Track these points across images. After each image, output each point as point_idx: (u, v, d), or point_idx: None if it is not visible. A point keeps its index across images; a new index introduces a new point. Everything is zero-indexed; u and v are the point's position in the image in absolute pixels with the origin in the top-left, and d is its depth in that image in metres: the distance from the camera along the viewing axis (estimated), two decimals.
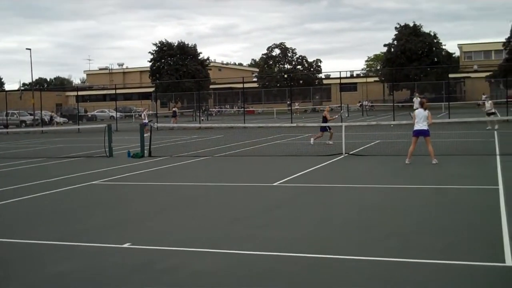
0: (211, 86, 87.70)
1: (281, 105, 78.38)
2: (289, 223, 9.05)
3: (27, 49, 57.44)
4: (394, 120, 35.06)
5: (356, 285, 5.96)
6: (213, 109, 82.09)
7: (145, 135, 22.24)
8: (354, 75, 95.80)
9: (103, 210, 10.81)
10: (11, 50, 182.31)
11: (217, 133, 35.31)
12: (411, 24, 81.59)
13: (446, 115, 40.43)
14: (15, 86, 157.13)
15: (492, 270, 6.31)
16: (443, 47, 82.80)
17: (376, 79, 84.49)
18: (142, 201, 11.68)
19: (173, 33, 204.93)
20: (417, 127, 16.00)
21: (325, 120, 23.56)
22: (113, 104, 65.50)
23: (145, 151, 20.96)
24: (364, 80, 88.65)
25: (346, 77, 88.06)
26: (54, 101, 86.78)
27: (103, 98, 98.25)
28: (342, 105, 48.34)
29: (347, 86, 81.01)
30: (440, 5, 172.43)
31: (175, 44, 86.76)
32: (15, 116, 58.87)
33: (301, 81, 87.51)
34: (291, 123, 35.10)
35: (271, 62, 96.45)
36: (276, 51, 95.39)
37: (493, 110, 30.56)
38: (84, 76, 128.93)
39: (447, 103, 44.11)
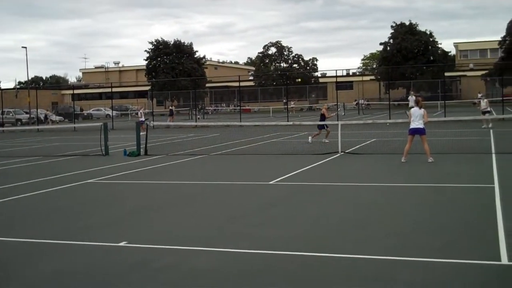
0: (207, 85, 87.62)
1: (277, 104, 78.40)
2: (285, 221, 9.06)
3: (23, 47, 57.43)
4: (390, 119, 35.10)
5: (352, 284, 5.97)
6: (209, 108, 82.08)
7: (141, 133, 22.22)
8: (350, 73, 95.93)
9: (99, 208, 10.80)
10: (7, 48, 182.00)
11: (213, 131, 35.30)
12: (407, 23, 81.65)
13: (442, 113, 40.48)
14: (11, 85, 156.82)
15: (488, 269, 6.32)
16: (439, 45, 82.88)
17: (372, 77, 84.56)
18: (138, 200, 11.68)
19: (169, 32, 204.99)
20: (413, 125, 16.03)
21: (323, 117, 23.58)
22: (109, 103, 65.32)
23: (141, 150, 20.95)
24: (360, 78, 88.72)
25: (342, 76, 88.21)
26: (50, 100, 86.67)
27: (99, 96, 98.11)
28: (338, 103, 48.38)
29: (343, 84, 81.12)
30: (436, 3, 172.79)
31: (171, 43, 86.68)
32: (10, 114, 58.79)
33: (297, 80, 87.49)
34: (287, 121, 35.12)
35: (267, 61, 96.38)
36: (272, 50, 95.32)
37: (488, 109, 30.61)
38: (80, 74, 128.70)
39: (443, 101, 44.16)
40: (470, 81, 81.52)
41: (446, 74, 68.91)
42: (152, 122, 32.15)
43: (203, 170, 16.46)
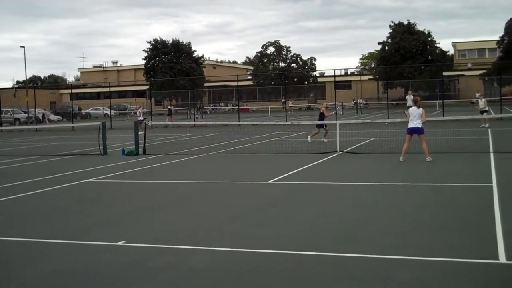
0: (205, 84, 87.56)
1: (275, 103, 78.40)
2: (283, 220, 9.06)
3: (21, 46, 57.27)
4: (388, 118, 35.13)
5: (350, 283, 5.98)
6: (208, 107, 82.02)
7: (139, 132, 22.21)
8: (349, 73, 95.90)
9: (98, 208, 10.80)
10: (5, 48, 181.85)
11: (212, 131, 35.30)
12: (406, 22, 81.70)
13: (440, 113, 40.53)
14: (9, 84, 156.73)
15: (486, 267, 6.33)
16: (437, 45, 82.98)
17: (371, 77, 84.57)
18: (137, 199, 11.67)
19: (167, 31, 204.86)
20: (411, 125, 16.05)
21: (322, 116, 23.59)
22: (107, 102, 65.32)
23: (140, 149, 20.94)
24: (358, 78, 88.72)
25: (341, 75, 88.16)
26: (48, 99, 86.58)
27: (97, 96, 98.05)
28: (337, 103, 48.41)
29: (342, 84, 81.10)
30: (434, 3, 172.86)
31: (170, 42, 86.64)
32: (9, 114, 58.72)
33: (295, 79, 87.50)
34: (286, 121, 35.13)
35: (265, 60, 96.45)
36: (271, 49, 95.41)
37: (486, 108, 30.66)
38: (78, 74, 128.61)
39: (441, 101, 44.22)
40: (468, 80, 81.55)
41: (444, 73, 68.94)
42: (150, 121, 32.13)
43: (202, 169, 16.46)
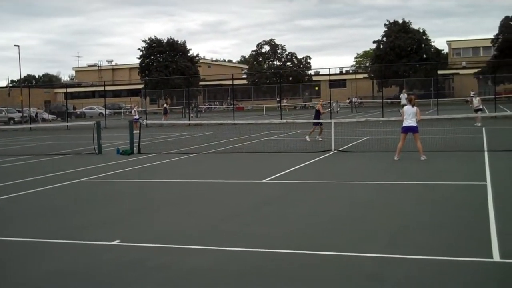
0: (200, 83, 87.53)
1: (270, 102, 78.45)
2: (278, 219, 9.07)
3: (15, 45, 57.09)
4: (383, 117, 35.18)
5: (346, 281, 5.99)
6: (203, 106, 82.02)
7: (134, 131, 22.18)
8: (344, 71, 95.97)
9: (92, 207, 10.78)
10: (0, 47, 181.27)
11: (207, 130, 35.29)
12: (401, 21, 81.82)
13: (435, 111, 40.63)
14: (3, 83, 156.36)
15: (480, 266, 6.35)
16: (432, 43, 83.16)
17: (365, 75, 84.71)
18: (132, 198, 11.66)
19: (162, 30, 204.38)
20: (405, 123, 16.08)
21: (318, 113, 23.60)
22: (102, 101, 65.18)
23: (134, 148, 20.92)
24: (353, 76, 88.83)
25: (336, 74, 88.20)
26: (42, 98, 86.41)
27: (92, 95, 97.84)
28: (332, 101, 48.46)
29: (337, 82, 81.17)
30: (429, 2, 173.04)
31: (165, 41, 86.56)
32: (3, 113, 58.55)
33: (290, 78, 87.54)
34: (281, 119, 35.14)
35: (260, 59, 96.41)
36: (266, 48, 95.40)
37: (480, 107, 30.73)
38: (73, 73, 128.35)
39: (436, 99, 44.34)
40: (462, 79, 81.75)
41: (439, 72, 69.16)
42: (145, 120, 32.09)
43: (197, 168, 16.46)
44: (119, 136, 29.85)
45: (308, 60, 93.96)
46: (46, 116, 63.39)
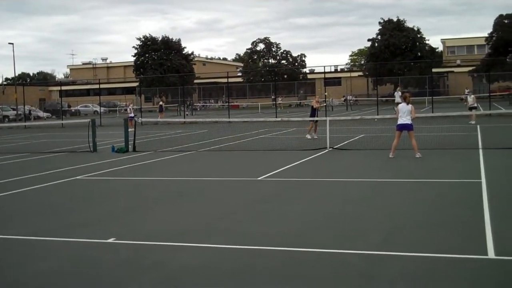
0: (195, 81, 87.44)
1: (265, 100, 78.45)
2: (274, 217, 9.07)
3: (9, 43, 56.92)
4: (378, 115, 35.22)
5: (341, 279, 6.00)
6: (198, 104, 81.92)
7: (129, 129, 22.14)
8: (339, 69, 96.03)
9: (87, 205, 10.77)
10: None
11: (202, 127, 35.25)
12: (395, 19, 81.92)
13: (430, 109, 40.70)
14: None
15: (475, 263, 6.37)
16: (427, 42, 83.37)
17: (360, 73, 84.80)
18: (127, 196, 11.65)
19: (157, 28, 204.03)
20: (400, 121, 16.10)
21: (313, 109, 23.60)
22: (97, 99, 65.11)
23: (130, 146, 20.88)
24: (348, 74, 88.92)
25: (331, 72, 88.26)
26: (37, 96, 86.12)
27: (87, 93, 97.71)
28: (327, 99, 48.53)
29: (332, 80, 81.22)
30: (422, 0, 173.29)
31: (159, 39, 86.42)
32: None
33: (285, 76, 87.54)
34: (276, 117, 35.13)
35: (255, 57, 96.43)
36: (261, 46, 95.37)
37: (475, 105, 30.81)
38: (68, 70, 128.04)
39: (431, 97, 44.35)
40: (457, 77, 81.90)
41: (434, 70, 69.29)
42: (140, 118, 32.04)
43: (192, 166, 16.46)
44: (114, 134, 29.78)
45: (303, 58, 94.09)
46: (41, 114, 63.22)
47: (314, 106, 23.84)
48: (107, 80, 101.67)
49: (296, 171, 14.37)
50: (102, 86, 60.13)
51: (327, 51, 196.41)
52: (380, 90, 60.10)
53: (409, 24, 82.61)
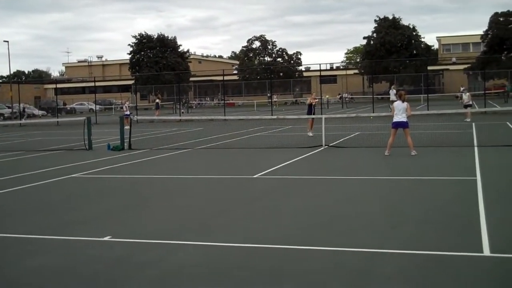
0: (191, 79, 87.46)
1: (261, 98, 78.47)
2: (270, 215, 9.08)
3: (4, 41, 56.67)
4: (373, 112, 35.28)
5: (336, 276, 6.01)
6: (193, 102, 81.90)
7: (125, 127, 22.12)
8: (334, 67, 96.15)
9: (83, 203, 10.75)
10: None
11: (198, 125, 35.25)
12: (391, 17, 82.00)
13: (425, 107, 40.78)
14: None
15: (470, 260, 6.39)
16: (422, 39, 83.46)
17: (356, 71, 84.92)
18: (122, 194, 11.64)
19: (152, 25, 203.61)
20: (396, 119, 16.13)
21: (310, 107, 23.64)
22: (92, 97, 65.04)
23: (125, 144, 20.86)
24: (344, 72, 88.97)
25: (326, 70, 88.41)
26: (32, 94, 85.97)
27: (82, 90, 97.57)
28: (322, 97, 48.57)
29: (327, 78, 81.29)
30: None
31: (155, 37, 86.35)
32: None
33: (281, 74, 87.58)
34: (272, 115, 35.14)
35: (251, 55, 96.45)
36: (256, 44, 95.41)
37: (470, 103, 30.86)
38: (63, 68, 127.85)
39: (426, 95, 44.48)
40: (452, 74, 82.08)
41: (429, 68, 69.43)
42: (136, 116, 32.02)
43: (187, 164, 16.45)
44: (109, 132, 29.77)
45: (299, 56, 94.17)
46: (36, 111, 63.06)
47: (310, 102, 23.87)
48: (103, 78, 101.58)
49: (292, 169, 14.37)
50: (97, 84, 60.14)
51: (323, 49, 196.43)
52: (376, 88, 60.19)
53: (405, 22, 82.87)
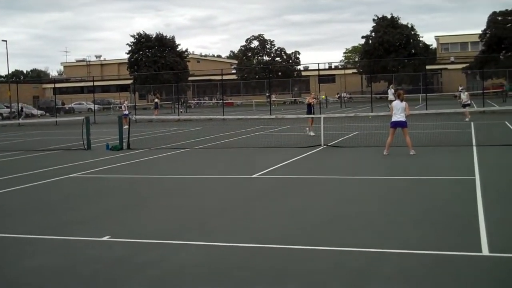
0: (189, 78, 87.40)
1: (260, 97, 78.47)
2: (268, 215, 9.08)
3: (3, 40, 56.57)
4: (372, 112, 35.28)
5: (336, 276, 6.02)
6: (192, 101, 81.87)
7: (124, 127, 22.11)
8: (333, 67, 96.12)
9: (82, 202, 10.75)
10: None
11: (196, 125, 35.24)
12: (389, 16, 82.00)
13: (424, 106, 40.76)
14: None
15: (469, 260, 6.40)
16: (420, 39, 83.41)
17: (354, 71, 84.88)
18: (121, 194, 11.64)
19: (151, 25, 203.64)
20: (394, 118, 16.14)
21: (309, 107, 23.66)
22: (90, 97, 65.04)
23: (124, 144, 20.86)
24: (342, 72, 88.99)
25: (325, 69, 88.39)
26: (31, 94, 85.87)
27: (81, 90, 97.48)
28: (316, 97, 48.56)
29: (326, 77, 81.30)
30: None
31: (153, 36, 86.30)
32: None
33: (279, 73, 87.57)
34: (270, 115, 35.15)
35: (249, 54, 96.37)
36: (255, 43, 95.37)
37: (468, 102, 30.88)
38: (61, 68, 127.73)
39: (424, 94, 44.46)
40: (451, 74, 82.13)
41: (428, 67, 69.26)
42: (134, 116, 32.01)
43: (186, 164, 16.45)
44: (108, 132, 29.75)
45: (297, 55, 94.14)
46: (35, 111, 62.99)
47: (309, 102, 23.89)
48: (101, 77, 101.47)
49: (291, 169, 14.38)
50: (96, 83, 60.10)
51: (321, 48, 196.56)
52: (374, 87, 60.20)
53: (403, 21, 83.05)
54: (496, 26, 73.15)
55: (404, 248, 6.82)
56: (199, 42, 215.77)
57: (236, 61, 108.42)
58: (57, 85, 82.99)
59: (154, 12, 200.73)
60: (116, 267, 6.55)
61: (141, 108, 64.86)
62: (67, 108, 73.53)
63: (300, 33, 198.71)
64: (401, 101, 16.16)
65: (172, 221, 8.83)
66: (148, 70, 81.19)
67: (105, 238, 7.79)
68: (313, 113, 23.80)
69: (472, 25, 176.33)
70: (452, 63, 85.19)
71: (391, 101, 17.78)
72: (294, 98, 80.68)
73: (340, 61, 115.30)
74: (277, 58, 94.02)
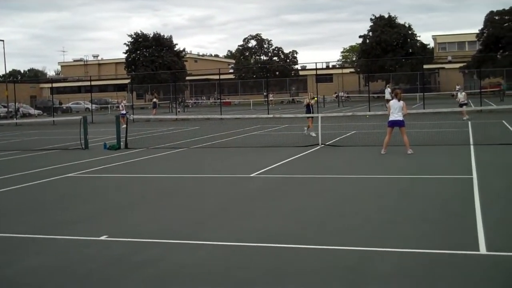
0: (187, 78, 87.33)
1: (257, 96, 78.44)
2: (266, 214, 9.08)
3: (0, 40, 56.50)
4: (369, 111, 35.30)
5: (333, 275, 6.02)
6: (190, 101, 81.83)
7: (122, 126, 22.09)
8: (330, 66, 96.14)
9: (80, 202, 10.74)
10: None
11: (194, 124, 35.23)
12: (386, 16, 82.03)
13: (421, 105, 40.81)
14: None
15: (466, 258, 6.41)
16: (418, 38, 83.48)
17: (352, 70, 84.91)
18: (119, 193, 11.64)
19: (148, 24, 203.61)
20: (392, 117, 16.15)
21: (308, 107, 23.67)
22: (88, 96, 64.84)
23: (122, 143, 20.84)
24: (340, 71, 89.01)
25: (322, 68, 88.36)
26: (28, 93, 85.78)
27: (78, 90, 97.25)
28: (318, 96, 48.57)
29: (323, 77, 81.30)
30: None
31: (151, 36, 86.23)
32: None
33: (277, 73, 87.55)
34: (268, 114, 35.15)
35: (247, 54, 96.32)
36: (252, 43, 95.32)
37: (465, 101, 30.91)
38: (59, 67, 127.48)
39: (422, 93, 44.50)
40: (448, 73, 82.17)
41: (425, 66, 69.40)
42: (132, 115, 31.99)
43: (184, 163, 16.44)
44: (106, 131, 29.73)
45: (295, 55, 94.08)
46: (32, 111, 62.92)
47: (307, 102, 23.90)
48: (99, 77, 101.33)
49: (289, 168, 14.38)
50: (93, 83, 59.99)
51: (319, 47, 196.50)
52: (372, 86, 60.17)
53: (401, 20, 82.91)
54: (493, 25, 73.21)
55: (402, 247, 6.82)
56: (197, 41, 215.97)
57: (233, 61, 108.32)
58: (55, 84, 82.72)
59: (152, 12, 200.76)
60: (115, 267, 6.54)
61: (139, 108, 64.82)
62: (64, 107, 73.44)
63: (297, 33, 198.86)
64: (399, 100, 16.17)
65: (170, 221, 8.83)
66: (145, 69, 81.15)
67: (102, 238, 7.79)
68: (312, 113, 23.77)
69: (469, 24, 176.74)
70: (450, 62, 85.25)
71: (388, 100, 17.77)
72: (291, 98, 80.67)
73: (338, 61, 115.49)
74: (275, 58, 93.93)
